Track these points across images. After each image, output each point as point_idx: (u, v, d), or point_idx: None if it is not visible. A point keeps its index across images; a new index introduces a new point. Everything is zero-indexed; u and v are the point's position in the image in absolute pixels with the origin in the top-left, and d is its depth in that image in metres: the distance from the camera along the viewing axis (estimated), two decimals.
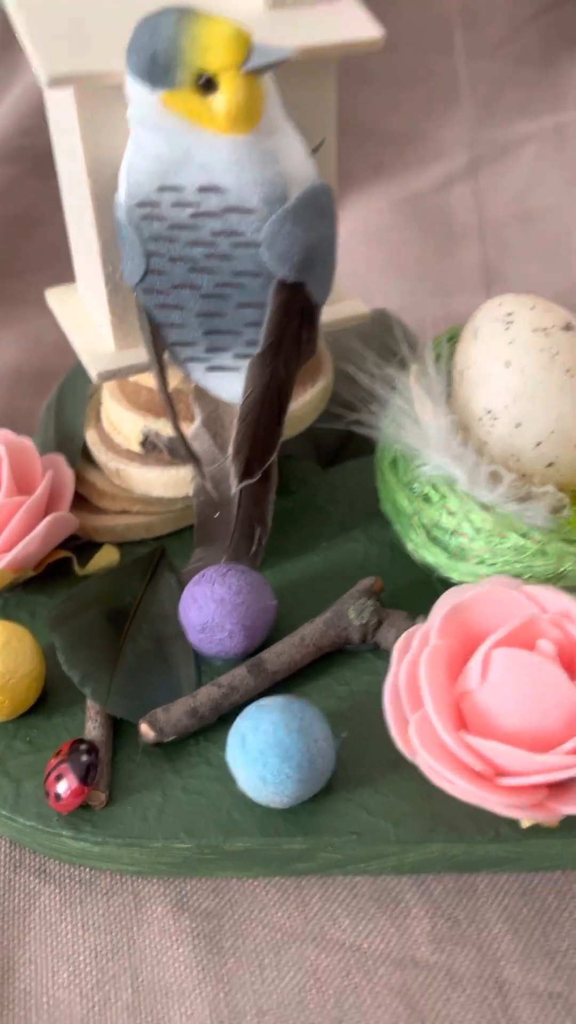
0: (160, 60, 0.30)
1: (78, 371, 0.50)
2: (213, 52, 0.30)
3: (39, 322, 0.61)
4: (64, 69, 0.32)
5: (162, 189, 0.33)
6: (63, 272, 0.62)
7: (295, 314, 0.35)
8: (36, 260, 0.63)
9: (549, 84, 0.71)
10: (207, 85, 0.31)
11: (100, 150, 0.35)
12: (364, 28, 0.36)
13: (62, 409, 0.49)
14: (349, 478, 0.47)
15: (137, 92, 0.32)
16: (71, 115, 0.35)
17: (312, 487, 0.47)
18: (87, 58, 0.33)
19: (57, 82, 0.32)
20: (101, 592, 0.41)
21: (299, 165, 0.33)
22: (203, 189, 0.33)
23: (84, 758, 0.34)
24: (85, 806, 0.35)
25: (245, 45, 0.30)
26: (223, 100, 0.31)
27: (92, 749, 0.35)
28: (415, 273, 0.65)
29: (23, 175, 0.63)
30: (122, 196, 0.34)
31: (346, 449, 0.49)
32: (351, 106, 0.71)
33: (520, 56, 0.71)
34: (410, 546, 0.40)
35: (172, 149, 0.32)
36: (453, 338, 0.42)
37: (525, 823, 0.32)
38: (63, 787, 0.34)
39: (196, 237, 0.34)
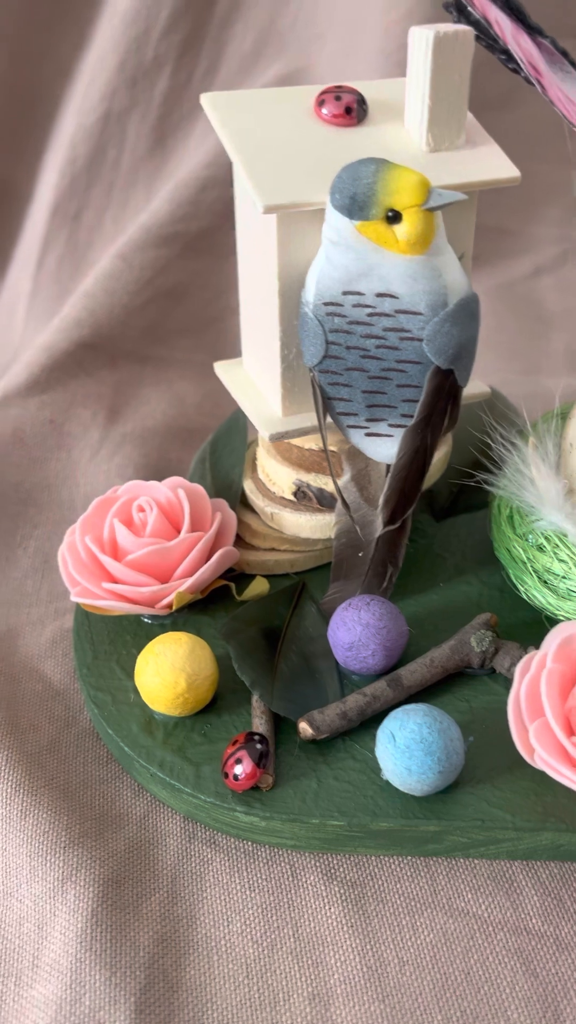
0: (359, 199, 0.39)
1: (228, 429, 0.59)
2: (401, 194, 0.39)
3: (181, 384, 0.69)
4: (277, 200, 0.41)
5: (346, 293, 0.41)
6: (202, 339, 0.71)
7: (445, 394, 0.43)
8: (180, 328, 0.72)
9: None
10: (394, 218, 0.39)
11: (290, 258, 0.43)
12: (506, 169, 0.44)
13: (217, 461, 0.57)
14: (461, 529, 0.55)
15: (336, 219, 0.40)
16: (271, 230, 0.43)
17: (429, 537, 0.54)
18: (292, 192, 0.42)
19: (270, 210, 0.41)
20: (257, 615, 0.49)
21: (457, 279, 0.41)
22: (380, 295, 0.41)
23: (259, 746, 0.42)
24: (255, 788, 0.42)
25: (427, 189, 0.39)
26: (405, 230, 0.39)
27: (264, 740, 0.42)
28: (507, 354, 0.72)
29: (175, 256, 0.72)
30: (310, 295, 0.42)
31: (456, 505, 0.56)
32: None
33: None
34: (522, 588, 0.47)
35: (359, 263, 0.40)
36: (563, 413, 0.50)
37: None
38: (240, 769, 0.41)
39: (370, 332, 0.42)
